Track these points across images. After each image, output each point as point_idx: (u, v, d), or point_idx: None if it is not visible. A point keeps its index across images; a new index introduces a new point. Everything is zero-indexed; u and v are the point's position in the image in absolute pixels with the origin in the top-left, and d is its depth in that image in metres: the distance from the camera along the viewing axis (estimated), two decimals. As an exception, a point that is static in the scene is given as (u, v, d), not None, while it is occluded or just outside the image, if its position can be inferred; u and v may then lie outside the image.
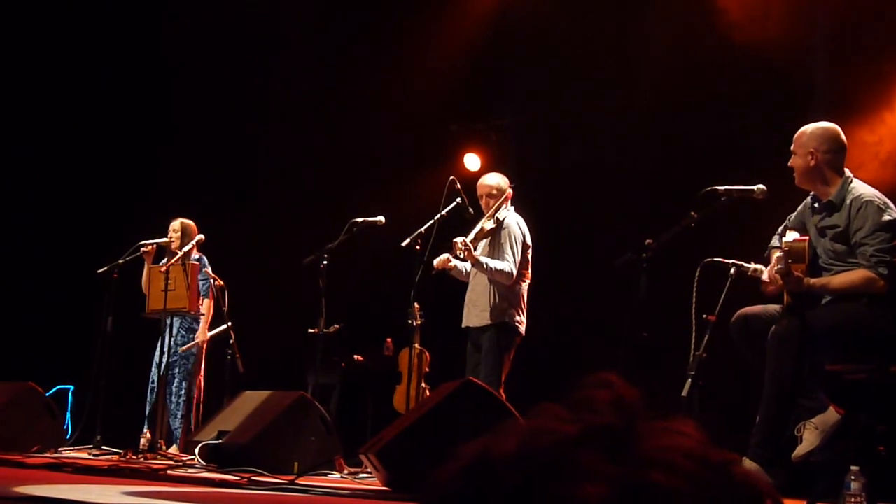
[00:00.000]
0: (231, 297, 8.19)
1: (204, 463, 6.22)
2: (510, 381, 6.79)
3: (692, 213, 5.13)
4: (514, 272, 6.75)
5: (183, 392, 8.25)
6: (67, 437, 8.08)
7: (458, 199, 6.94)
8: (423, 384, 8.17)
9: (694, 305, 4.89)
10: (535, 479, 0.94)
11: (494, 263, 6.72)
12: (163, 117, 10.76)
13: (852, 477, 4.11)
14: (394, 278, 7.92)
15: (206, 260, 8.36)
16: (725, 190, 5.16)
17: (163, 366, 7.80)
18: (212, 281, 8.22)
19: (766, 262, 5.04)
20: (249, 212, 10.31)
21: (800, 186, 5.05)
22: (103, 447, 7.46)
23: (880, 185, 5.10)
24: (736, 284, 4.96)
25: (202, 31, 10.38)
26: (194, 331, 8.32)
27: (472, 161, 9.48)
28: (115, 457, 6.96)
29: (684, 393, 4.68)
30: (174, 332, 8.21)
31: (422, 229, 6.83)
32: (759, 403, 4.75)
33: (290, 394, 6.50)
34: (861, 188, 4.89)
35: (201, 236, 8.03)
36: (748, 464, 4.55)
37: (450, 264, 6.88)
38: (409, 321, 7.56)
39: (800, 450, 4.69)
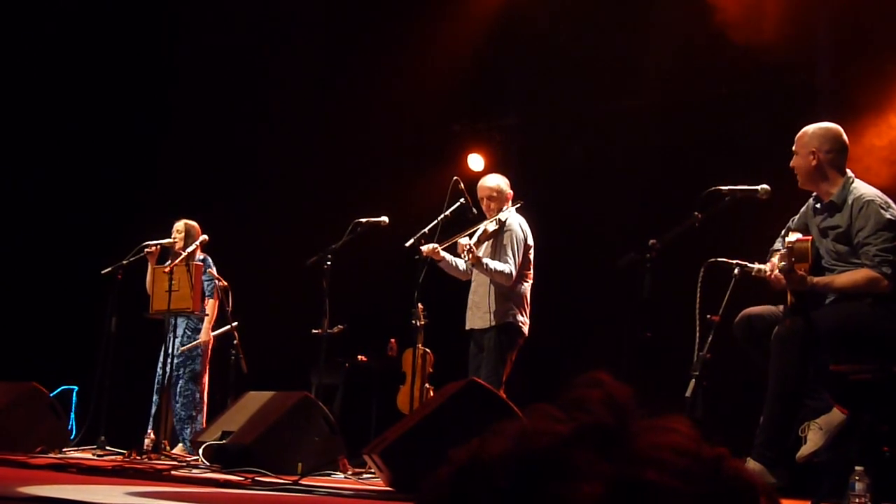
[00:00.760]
0: (235, 297, 8.20)
1: (208, 463, 6.22)
2: (514, 382, 6.79)
3: (696, 213, 5.13)
4: (514, 273, 6.75)
5: (188, 393, 8.26)
6: (71, 437, 8.08)
7: (462, 200, 6.94)
8: (427, 385, 8.17)
9: (698, 306, 4.88)
10: (529, 479, 0.94)
11: (495, 264, 6.72)
12: (166, 118, 10.77)
13: (856, 477, 4.11)
14: (397, 279, 7.92)
15: (210, 261, 8.37)
16: (729, 190, 5.15)
17: (167, 366, 7.80)
18: (216, 281, 8.23)
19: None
20: (253, 212, 10.31)
21: (803, 188, 5.05)
22: (107, 447, 7.47)
23: (883, 186, 5.09)
24: (740, 285, 4.95)
25: (205, 31, 10.40)
26: (199, 331, 8.32)
27: (475, 161, 9.48)
28: (119, 457, 6.97)
29: (688, 393, 4.67)
30: (180, 332, 8.22)
31: (425, 230, 6.83)
32: (763, 404, 4.75)
33: (293, 394, 6.51)
34: (862, 188, 4.89)
35: (205, 237, 8.04)
36: (752, 464, 4.55)
37: (440, 255, 6.86)
38: (413, 322, 7.56)
39: (804, 450, 4.69)
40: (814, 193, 5.06)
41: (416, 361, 7.79)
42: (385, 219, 7.21)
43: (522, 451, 0.96)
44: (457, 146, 9.74)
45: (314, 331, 7.52)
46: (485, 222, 6.89)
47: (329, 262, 7.10)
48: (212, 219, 8.56)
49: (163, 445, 7.36)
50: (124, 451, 7.15)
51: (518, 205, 7.02)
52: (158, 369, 8.21)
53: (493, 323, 6.77)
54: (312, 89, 10.49)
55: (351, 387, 9.15)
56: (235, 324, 8.05)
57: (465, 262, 6.82)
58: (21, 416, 7.13)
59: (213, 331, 8.36)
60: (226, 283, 8.17)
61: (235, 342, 7.98)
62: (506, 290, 6.79)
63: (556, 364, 7.87)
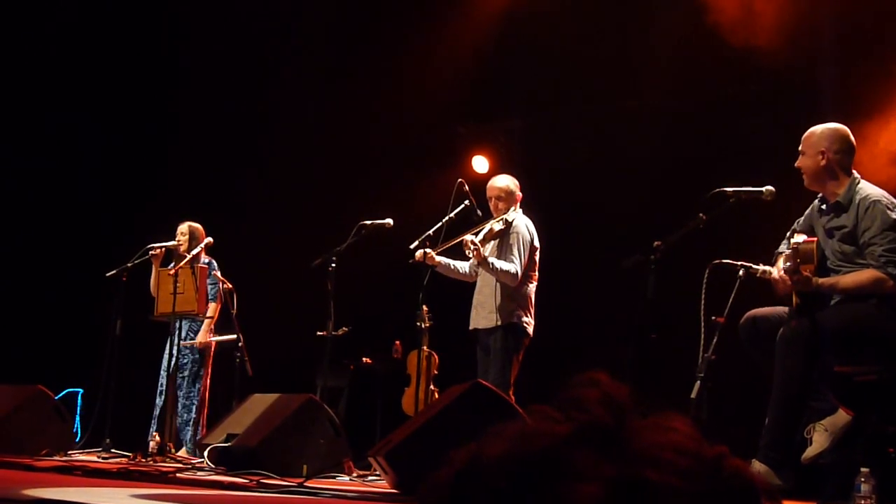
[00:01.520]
0: (239, 300, 8.20)
1: (213, 465, 6.22)
2: (520, 383, 6.79)
3: (701, 214, 5.13)
4: (519, 274, 6.77)
5: (191, 395, 8.27)
6: (76, 440, 8.09)
7: (467, 202, 6.94)
8: (432, 387, 8.17)
9: (703, 307, 4.87)
10: (528, 479, 0.94)
11: (500, 264, 6.74)
12: (170, 121, 10.78)
13: (862, 479, 4.10)
14: (402, 281, 7.92)
15: (215, 264, 8.37)
16: (734, 191, 5.15)
17: (172, 369, 7.81)
18: (220, 284, 8.23)
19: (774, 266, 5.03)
20: (257, 214, 10.31)
21: (809, 188, 5.04)
22: (112, 450, 7.47)
23: (888, 186, 5.08)
24: (744, 286, 4.95)
25: (210, 34, 10.40)
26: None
27: (480, 163, 9.48)
28: (124, 460, 6.97)
29: (693, 395, 4.67)
30: (184, 335, 8.23)
31: (430, 231, 6.83)
32: (767, 405, 4.74)
33: (298, 396, 6.50)
34: (868, 188, 4.88)
35: (209, 239, 8.05)
36: (758, 465, 4.54)
37: (433, 261, 6.86)
38: (418, 324, 7.55)
39: (809, 451, 4.68)
40: (819, 194, 5.05)
41: (421, 363, 7.78)
42: (390, 221, 7.21)
43: (521, 452, 0.96)
44: (461, 148, 9.74)
45: (319, 333, 7.52)
46: (491, 221, 6.89)
47: (334, 264, 7.10)
48: (216, 221, 8.56)
49: (168, 448, 7.36)
50: (129, 454, 7.15)
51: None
52: (162, 372, 8.22)
53: (499, 323, 6.78)
54: (317, 92, 10.49)
55: (356, 389, 9.15)
56: (240, 333, 8.02)
57: (471, 258, 6.82)
58: (26, 419, 7.13)
59: (216, 335, 8.36)
60: (231, 286, 8.17)
61: (240, 344, 7.98)
62: (511, 291, 6.80)
63: (561, 365, 7.86)
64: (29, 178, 10.67)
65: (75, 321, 10.03)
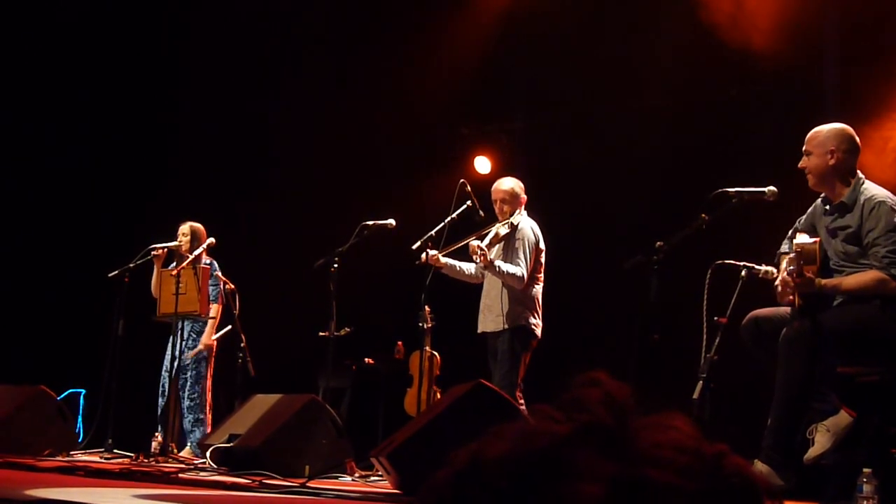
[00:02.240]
0: (241, 300, 8.20)
1: (215, 466, 6.22)
2: (523, 383, 6.79)
3: (703, 215, 5.12)
4: (526, 277, 6.78)
5: (195, 395, 8.27)
6: (79, 440, 8.09)
7: (469, 202, 6.95)
8: (434, 387, 8.16)
9: (705, 308, 4.87)
10: (529, 480, 0.94)
11: (507, 267, 6.75)
12: (172, 121, 10.79)
13: (864, 479, 4.11)
14: (404, 281, 7.93)
15: (216, 264, 8.38)
16: (736, 192, 5.14)
17: (174, 369, 7.81)
18: (222, 285, 8.23)
19: (777, 268, 5.02)
20: (259, 215, 10.32)
21: (814, 189, 5.02)
22: (115, 450, 7.48)
23: (891, 187, 5.07)
24: (747, 286, 4.94)
25: (212, 34, 10.41)
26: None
27: (482, 164, 9.48)
28: (126, 460, 6.97)
29: (695, 395, 4.66)
30: (185, 335, 8.23)
31: (432, 232, 6.84)
32: (770, 406, 4.74)
33: (300, 397, 6.51)
34: (873, 189, 4.87)
35: (211, 240, 8.05)
36: (760, 466, 4.54)
37: (441, 262, 6.88)
38: (420, 324, 7.56)
39: (811, 452, 4.68)
40: (822, 194, 5.04)
41: (424, 364, 7.79)
42: (392, 221, 7.21)
43: (522, 452, 0.96)
44: (464, 149, 9.75)
45: (321, 333, 7.52)
46: (496, 225, 6.89)
47: (336, 265, 7.10)
48: (219, 221, 8.56)
49: (170, 448, 7.36)
50: (132, 454, 7.16)
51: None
52: (164, 372, 8.22)
53: (506, 326, 6.80)
54: (319, 93, 10.49)
55: (358, 389, 9.15)
56: (235, 323, 8.03)
57: (477, 264, 6.83)
58: (29, 420, 7.13)
59: (216, 333, 8.36)
60: (233, 286, 8.18)
61: (243, 345, 7.98)
62: (518, 293, 6.81)
63: (563, 366, 7.85)
64: (31, 178, 10.67)
65: (78, 322, 10.04)
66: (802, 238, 4.88)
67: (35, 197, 10.72)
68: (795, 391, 4.65)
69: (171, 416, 7.72)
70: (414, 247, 6.85)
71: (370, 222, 7.22)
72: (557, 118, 9.35)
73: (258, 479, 5.27)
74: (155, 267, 8.13)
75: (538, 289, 6.92)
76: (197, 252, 7.92)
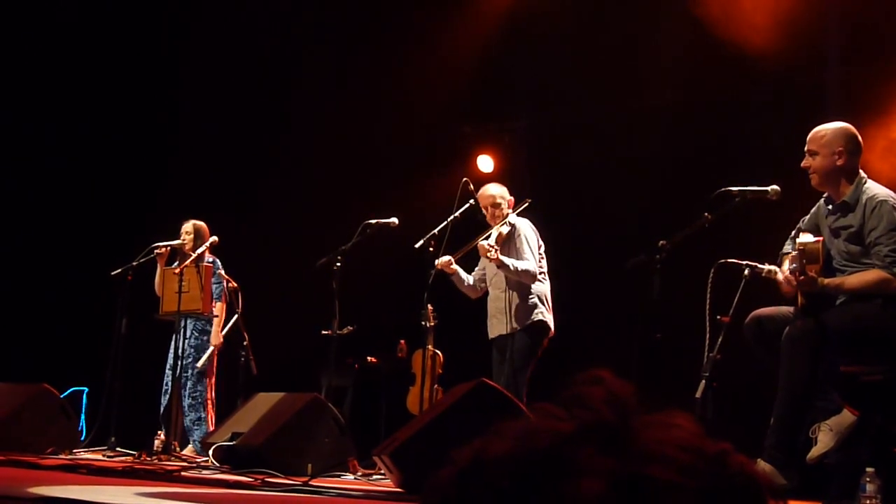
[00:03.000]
0: (245, 299, 8.21)
1: (217, 464, 6.23)
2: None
3: (706, 214, 5.12)
4: (535, 270, 6.81)
5: (197, 394, 8.28)
6: (82, 438, 8.10)
7: (472, 201, 6.96)
8: (437, 386, 8.16)
9: (708, 307, 4.87)
10: (532, 478, 0.94)
11: (519, 264, 6.78)
12: (175, 120, 10.79)
13: (867, 479, 4.10)
14: (407, 280, 7.92)
15: (219, 262, 8.38)
16: (739, 191, 5.14)
17: (177, 368, 7.82)
18: (225, 283, 8.23)
19: (780, 267, 5.01)
20: (262, 214, 10.32)
21: (818, 188, 5.01)
22: (117, 448, 7.49)
23: (894, 186, 5.07)
24: (750, 285, 4.94)
25: (214, 33, 10.41)
26: (208, 332, 8.33)
27: (485, 163, 9.48)
28: (129, 458, 6.98)
29: (698, 394, 4.67)
30: (188, 333, 8.23)
31: (435, 231, 6.84)
32: (772, 405, 4.74)
33: (303, 395, 6.51)
34: (875, 188, 4.87)
35: (214, 238, 8.05)
36: (763, 465, 4.54)
37: (451, 267, 6.90)
38: (423, 323, 7.56)
39: (814, 451, 4.68)
40: (825, 194, 5.03)
41: (426, 363, 7.79)
42: (395, 220, 7.21)
43: (524, 450, 0.96)
44: (466, 148, 9.74)
45: (324, 332, 7.53)
46: (497, 226, 6.90)
47: (339, 264, 7.11)
48: (221, 220, 8.56)
49: (173, 446, 7.37)
50: (134, 452, 7.16)
51: (525, 204, 7.03)
52: (167, 370, 8.23)
53: (517, 326, 6.82)
54: (321, 90, 10.49)
55: (361, 388, 9.15)
56: (239, 314, 8.04)
57: (478, 268, 6.86)
58: (31, 418, 7.14)
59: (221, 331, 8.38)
60: (235, 284, 8.18)
61: (245, 343, 7.99)
62: (525, 292, 6.83)
63: (565, 365, 7.85)
64: (33, 177, 10.68)
65: (80, 320, 10.04)
66: (805, 237, 4.88)
67: (36, 196, 10.73)
68: (798, 390, 4.64)
69: (173, 414, 7.73)
70: (417, 245, 6.85)
71: (373, 221, 7.23)
72: (560, 117, 9.34)
73: (260, 477, 5.27)
74: (158, 265, 8.14)
75: (546, 285, 6.95)
76: (200, 250, 7.93)
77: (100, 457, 7.10)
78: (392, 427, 6.95)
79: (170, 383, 8.07)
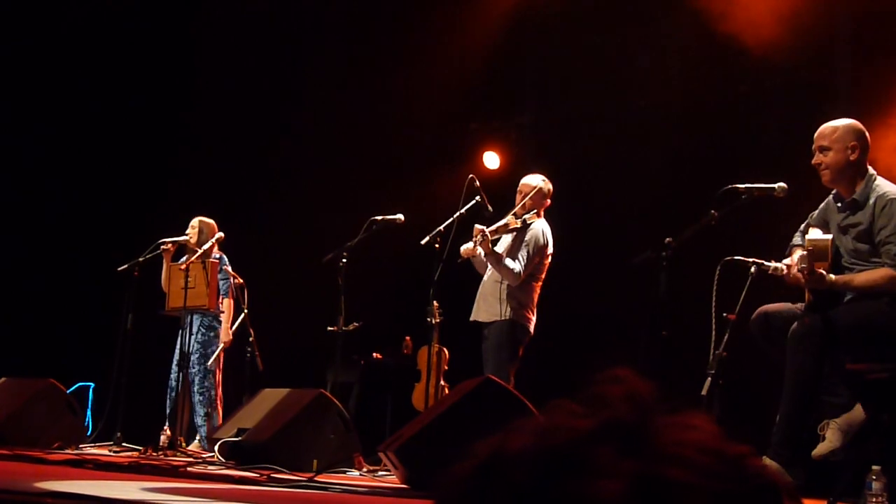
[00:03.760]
0: (251, 295, 8.21)
1: (223, 460, 6.23)
2: (529, 380, 6.78)
3: (712, 211, 5.11)
4: (522, 274, 6.76)
5: (204, 390, 8.29)
6: (88, 433, 8.12)
7: (478, 198, 6.94)
8: (442, 382, 8.17)
9: (714, 304, 4.86)
10: (550, 475, 0.94)
11: (506, 261, 6.74)
12: (182, 116, 10.79)
13: (874, 476, 4.09)
14: (413, 276, 7.92)
15: (226, 259, 8.39)
16: (746, 188, 5.13)
17: (184, 363, 7.83)
18: (231, 279, 8.24)
19: (789, 257, 5.00)
20: (268, 210, 10.33)
21: (829, 185, 4.99)
22: (124, 444, 7.51)
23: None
24: (756, 283, 4.93)
25: (222, 30, 10.41)
26: (214, 328, 8.35)
27: (491, 159, 9.47)
28: (135, 453, 6.99)
29: (704, 391, 4.66)
30: (194, 329, 8.24)
31: (441, 227, 6.83)
32: (779, 402, 4.73)
33: (309, 391, 6.51)
34: (885, 186, 4.85)
35: (221, 234, 8.06)
36: (769, 462, 4.53)
37: (476, 252, 6.87)
38: (429, 319, 7.55)
39: (821, 448, 4.67)
40: (834, 191, 5.01)
41: (432, 359, 7.78)
42: (401, 216, 7.21)
43: (543, 447, 0.96)
44: (472, 144, 9.73)
45: (330, 328, 7.53)
46: (510, 215, 6.87)
47: (345, 260, 7.11)
48: (228, 216, 8.58)
49: (179, 442, 7.38)
50: (140, 448, 7.17)
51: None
52: (174, 366, 8.24)
53: (499, 318, 6.79)
54: (328, 87, 10.49)
55: (366, 384, 9.15)
56: (247, 312, 8.05)
57: (476, 244, 6.77)
58: (38, 413, 7.16)
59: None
60: (241, 281, 8.19)
61: (251, 339, 8.00)
62: (514, 288, 6.80)
63: (572, 363, 7.85)
64: (40, 173, 10.69)
65: (87, 315, 10.06)
66: (815, 234, 4.86)
67: (43, 192, 10.75)
68: (804, 387, 4.64)
69: (179, 409, 7.74)
70: (423, 242, 6.84)
71: (379, 217, 7.23)
72: (566, 113, 9.33)
73: (266, 473, 5.27)
74: (164, 261, 8.14)
75: (536, 288, 6.91)
76: (206, 246, 7.94)
77: (106, 452, 7.11)
78: (397, 423, 6.95)
79: (176, 379, 8.08)
